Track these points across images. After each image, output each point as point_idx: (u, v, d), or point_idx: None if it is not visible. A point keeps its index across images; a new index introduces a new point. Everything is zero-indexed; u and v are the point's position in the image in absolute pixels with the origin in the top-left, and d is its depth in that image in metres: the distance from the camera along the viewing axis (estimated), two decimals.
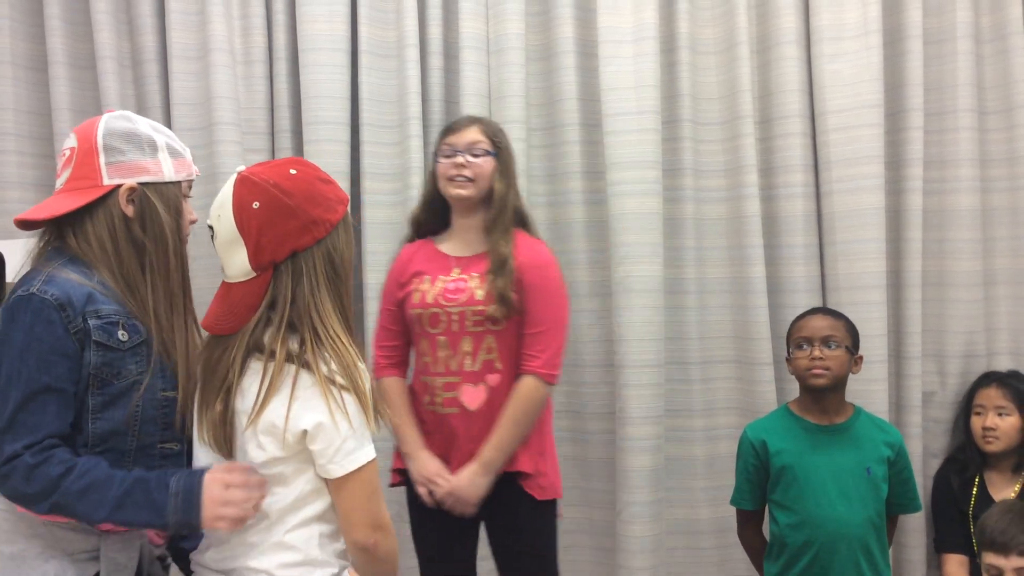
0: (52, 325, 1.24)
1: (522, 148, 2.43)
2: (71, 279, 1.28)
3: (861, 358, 2.13)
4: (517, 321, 1.92)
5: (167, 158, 1.38)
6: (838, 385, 2.07)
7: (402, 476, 2.01)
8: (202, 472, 1.26)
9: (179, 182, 1.39)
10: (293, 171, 1.28)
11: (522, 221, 2.01)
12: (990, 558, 1.85)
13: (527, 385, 1.91)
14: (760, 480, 2.11)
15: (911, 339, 2.41)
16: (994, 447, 2.25)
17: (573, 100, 2.47)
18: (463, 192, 1.93)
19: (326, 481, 1.28)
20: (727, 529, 2.31)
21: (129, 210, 1.34)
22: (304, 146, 2.40)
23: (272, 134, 2.47)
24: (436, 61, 2.47)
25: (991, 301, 2.47)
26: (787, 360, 2.16)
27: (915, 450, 2.39)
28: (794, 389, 2.19)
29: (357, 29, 2.43)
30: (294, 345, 1.25)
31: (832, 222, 2.42)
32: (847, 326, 2.10)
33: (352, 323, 1.33)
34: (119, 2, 2.45)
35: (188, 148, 1.46)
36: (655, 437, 2.39)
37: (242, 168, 1.29)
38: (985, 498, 2.25)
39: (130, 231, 1.34)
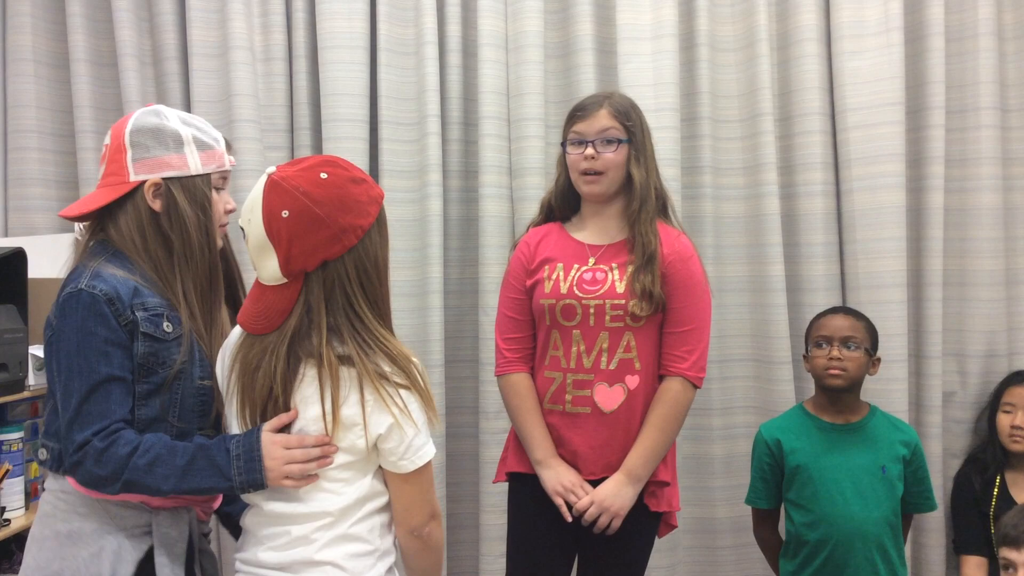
0: (104, 318, 1.28)
1: (540, 145, 2.43)
2: (116, 274, 1.32)
3: (879, 360, 2.11)
4: (658, 319, 1.79)
5: (193, 151, 1.39)
6: (854, 386, 2.06)
7: (510, 478, 1.89)
8: (258, 431, 1.27)
9: (207, 175, 1.40)
10: (324, 175, 1.25)
11: (663, 207, 1.86)
12: (1004, 552, 1.84)
13: (674, 388, 1.78)
14: (775, 479, 2.10)
15: (931, 338, 2.40)
16: (1021, 446, 2.23)
17: None
18: (595, 189, 1.80)
19: (389, 474, 1.29)
20: (744, 528, 2.31)
21: (156, 205, 1.37)
22: (323, 143, 2.40)
23: (292, 131, 2.48)
24: (455, 58, 2.48)
25: (1013, 300, 2.45)
26: (804, 358, 2.15)
27: (935, 450, 2.38)
28: (812, 388, 2.18)
29: (376, 27, 2.44)
30: (343, 349, 1.24)
31: (852, 220, 2.41)
32: (867, 327, 2.08)
33: (390, 323, 1.32)
34: (140, 0, 2.46)
35: (221, 139, 1.46)
36: None
37: (273, 170, 1.26)
38: (1006, 498, 2.23)
39: (158, 226, 1.37)
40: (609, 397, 1.78)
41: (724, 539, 2.49)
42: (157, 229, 1.37)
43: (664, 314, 1.79)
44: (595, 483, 1.78)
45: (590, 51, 2.46)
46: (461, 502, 2.52)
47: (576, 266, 1.81)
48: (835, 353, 2.03)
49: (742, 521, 2.35)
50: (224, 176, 1.45)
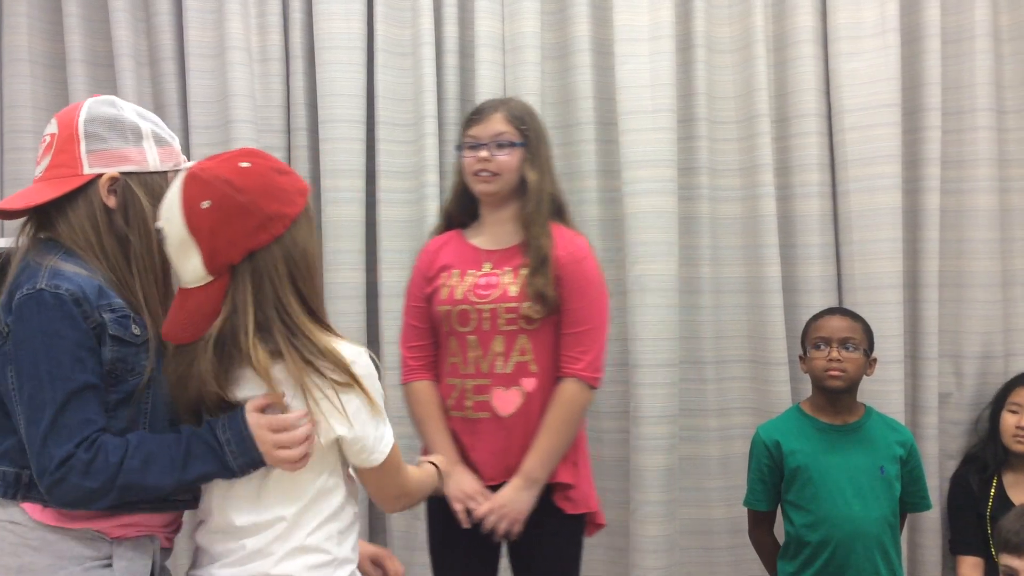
0: (73, 320, 1.17)
1: None
2: (78, 272, 1.21)
3: (876, 360, 2.12)
4: (553, 321, 1.79)
5: (152, 147, 1.30)
6: (853, 387, 2.07)
7: None
8: (241, 411, 1.20)
9: (165, 172, 1.31)
10: (245, 164, 1.19)
11: (558, 210, 1.88)
12: (1006, 559, 1.84)
13: (570, 390, 1.78)
14: (774, 481, 2.11)
15: (928, 340, 2.40)
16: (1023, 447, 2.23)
17: (589, 98, 2.47)
18: (488, 188, 1.81)
19: (354, 470, 1.28)
20: (741, 529, 2.31)
21: (111, 201, 1.27)
22: (320, 144, 2.41)
23: (288, 132, 2.48)
24: (452, 59, 2.47)
25: (1009, 302, 2.45)
26: (801, 359, 2.15)
27: (931, 451, 2.38)
28: (809, 389, 2.18)
29: (373, 27, 2.44)
30: (271, 347, 1.18)
31: (848, 221, 2.41)
32: (864, 328, 2.09)
33: (324, 318, 1.26)
34: (137, 0, 2.46)
35: (177, 137, 1.39)
36: (669, 436, 2.39)
37: (190, 164, 1.20)
38: (1003, 499, 2.23)
39: (112, 223, 1.27)
40: (506, 401, 1.78)
41: (721, 540, 2.49)
42: (111, 226, 1.27)
43: (560, 315, 1.79)
44: (500, 488, 1.78)
45: (587, 52, 2.46)
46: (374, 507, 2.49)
47: (471, 272, 1.83)
48: (834, 354, 2.03)
49: (739, 522, 2.35)
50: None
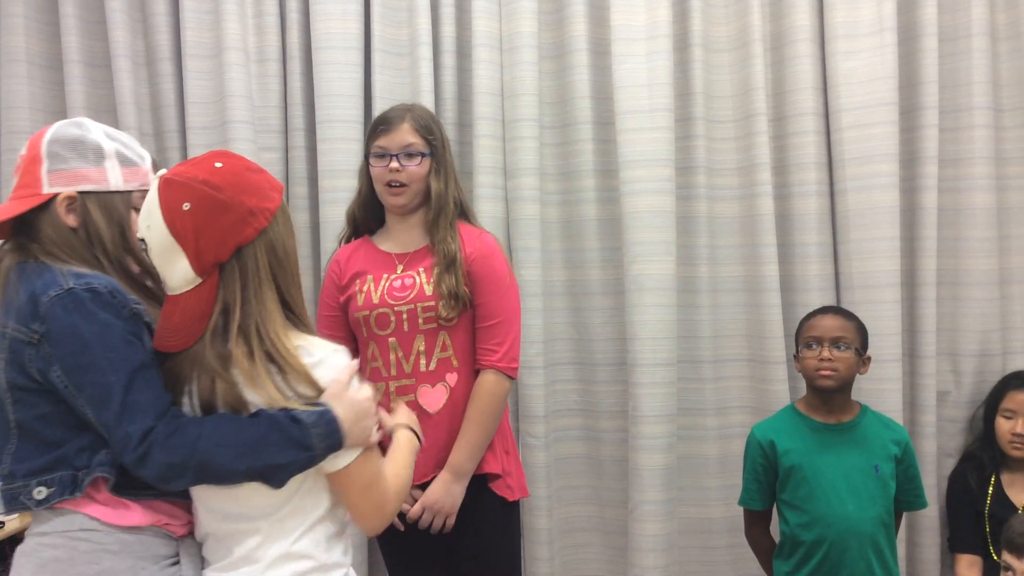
0: (116, 309, 1.19)
1: (534, 146, 2.43)
2: (93, 272, 1.24)
3: (869, 359, 2.12)
4: (470, 316, 1.86)
5: (115, 166, 1.31)
6: (845, 386, 2.07)
7: None
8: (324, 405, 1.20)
9: (128, 192, 1.32)
10: (218, 164, 1.20)
11: (463, 212, 1.94)
12: (1008, 557, 1.85)
13: (488, 381, 1.83)
14: (768, 480, 2.11)
15: (925, 338, 2.40)
16: (1022, 453, 2.23)
17: (586, 98, 2.47)
18: (399, 200, 1.86)
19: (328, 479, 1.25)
20: (739, 528, 2.31)
21: (71, 220, 1.28)
22: (317, 144, 2.40)
23: (286, 132, 2.48)
24: (449, 59, 2.47)
25: (1006, 300, 2.45)
26: (795, 357, 2.15)
27: (929, 450, 2.38)
28: (805, 388, 2.18)
29: (370, 27, 2.43)
30: (245, 347, 1.18)
31: (846, 220, 2.41)
32: (857, 327, 2.09)
33: (303, 316, 1.26)
34: (134, 0, 2.46)
35: (148, 157, 1.39)
36: (668, 436, 2.39)
37: (163, 172, 1.20)
38: (1002, 498, 2.24)
39: (75, 240, 1.28)
40: (433, 398, 1.84)
41: (719, 539, 2.50)
42: (71, 245, 1.28)
43: (473, 310, 1.85)
44: (429, 483, 1.83)
45: (584, 52, 2.46)
46: None
47: (385, 275, 1.88)
48: (825, 354, 2.04)
49: (737, 521, 2.35)
50: (144, 195, 1.30)
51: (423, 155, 1.86)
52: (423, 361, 1.83)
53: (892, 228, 2.37)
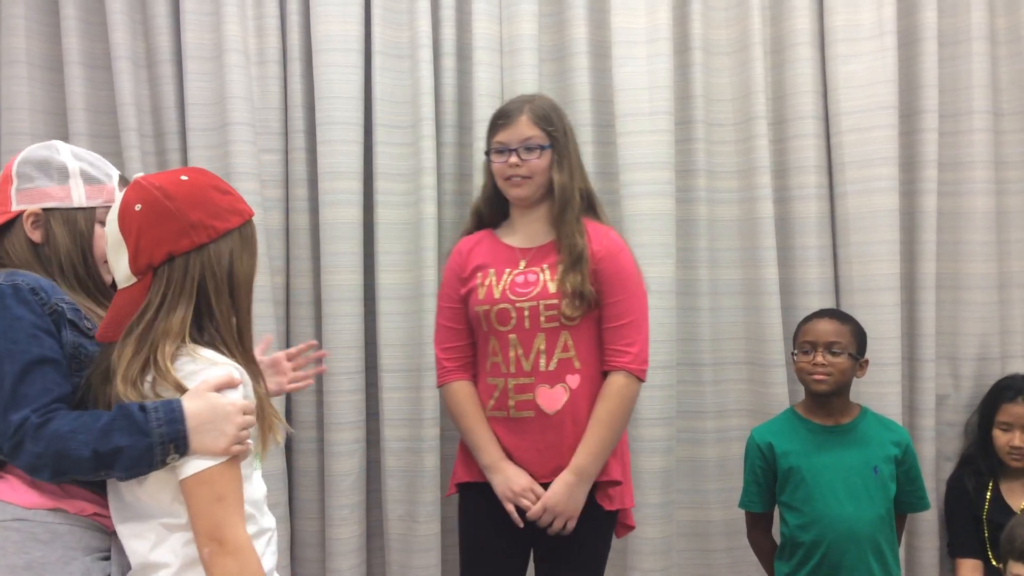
0: (29, 304, 1.25)
1: None
2: (34, 274, 1.32)
3: (867, 362, 2.12)
4: (594, 316, 1.80)
5: (79, 184, 1.40)
6: (841, 389, 2.07)
7: (460, 489, 1.89)
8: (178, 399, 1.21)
9: (92, 208, 1.40)
10: (184, 177, 1.26)
11: (589, 205, 1.89)
12: (1013, 566, 1.84)
13: (618, 383, 1.78)
14: (768, 482, 2.11)
15: (925, 342, 2.40)
16: (1021, 464, 2.22)
17: (586, 101, 2.47)
18: (522, 192, 1.83)
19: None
20: (739, 531, 2.31)
21: (36, 235, 1.38)
22: (317, 146, 2.40)
23: (286, 134, 2.48)
24: (449, 62, 2.47)
25: (1006, 304, 2.46)
26: (793, 360, 2.16)
27: (928, 453, 2.38)
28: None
29: (371, 30, 2.43)
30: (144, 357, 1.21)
31: (846, 224, 2.41)
32: (853, 331, 2.09)
33: (234, 339, 1.27)
34: (134, 2, 2.45)
35: (116, 176, 1.45)
36: (667, 439, 2.39)
37: (140, 175, 1.27)
38: (1000, 503, 2.24)
39: (39, 255, 1.38)
40: (551, 399, 1.79)
41: (718, 542, 2.49)
42: (38, 258, 1.37)
43: (600, 310, 1.80)
44: (547, 487, 1.77)
45: (584, 55, 2.46)
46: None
47: (508, 270, 1.84)
48: (819, 359, 2.05)
49: (736, 524, 2.36)
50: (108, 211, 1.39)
51: (543, 148, 1.82)
52: (543, 360, 1.78)
53: (892, 232, 2.38)
